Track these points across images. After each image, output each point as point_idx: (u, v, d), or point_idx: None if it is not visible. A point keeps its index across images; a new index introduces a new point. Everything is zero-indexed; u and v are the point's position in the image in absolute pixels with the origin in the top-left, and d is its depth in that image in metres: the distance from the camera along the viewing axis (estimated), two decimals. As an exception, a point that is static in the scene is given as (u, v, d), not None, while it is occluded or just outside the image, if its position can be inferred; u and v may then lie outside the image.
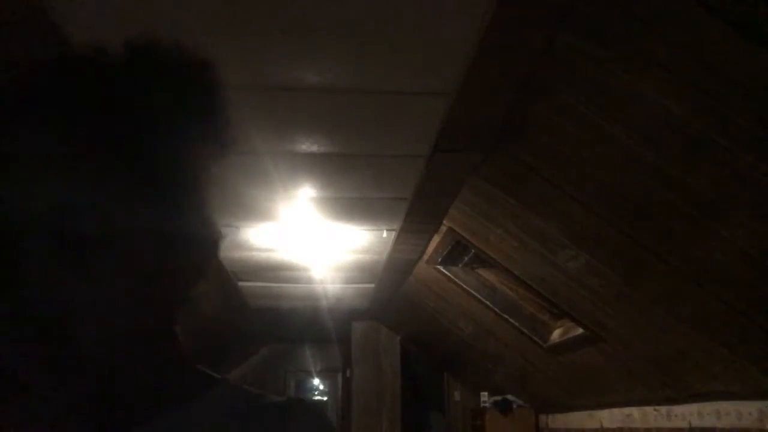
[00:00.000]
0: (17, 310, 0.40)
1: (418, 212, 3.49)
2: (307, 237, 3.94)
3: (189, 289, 0.50)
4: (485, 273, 4.47)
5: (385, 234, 3.95)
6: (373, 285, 5.43)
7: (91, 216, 0.41)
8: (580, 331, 3.54)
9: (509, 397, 5.42)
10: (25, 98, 0.44)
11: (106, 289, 0.42)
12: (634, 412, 3.78)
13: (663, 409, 3.44)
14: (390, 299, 5.84)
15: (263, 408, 0.50)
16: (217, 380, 0.52)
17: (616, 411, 4.02)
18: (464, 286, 4.51)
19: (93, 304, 0.42)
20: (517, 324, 4.34)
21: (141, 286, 0.44)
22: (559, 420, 5.09)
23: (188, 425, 0.48)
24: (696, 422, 3.11)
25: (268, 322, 6.42)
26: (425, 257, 4.39)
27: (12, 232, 0.39)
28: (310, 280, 5.12)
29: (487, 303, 4.44)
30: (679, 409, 3.27)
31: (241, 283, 5.24)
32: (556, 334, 4.11)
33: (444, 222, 3.66)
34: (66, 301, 0.41)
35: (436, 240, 4.01)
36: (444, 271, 4.52)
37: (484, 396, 5.63)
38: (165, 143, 0.45)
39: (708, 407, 3.01)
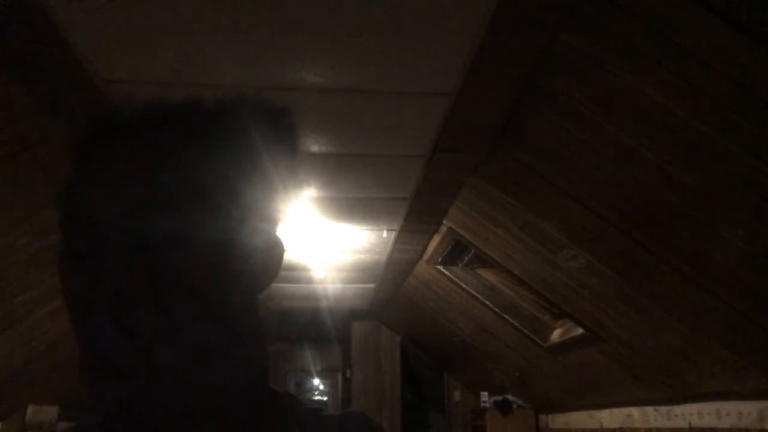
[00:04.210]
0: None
1: (418, 212, 3.50)
2: (307, 237, 3.94)
3: (251, 297, 0.53)
4: (485, 273, 4.47)
5: (385, 234, 3.95)
6: (373, 285, 5.43)
7: (160, 223, 0.45)
8: (580, 331, 3.54)
9: (509, 397, 5.41)
10: (115, 131, 0.50)
11: (173, 288, 0.45)
12: (634, 412, 3.78)
13: (663, 409, 3.43)
14: (390, 299, 5.84)
15: (323, 419, 0.55)
16: (279, 393, 0.56)
17: (616, 411, 4.02)
18: (464, 286, 4.51)
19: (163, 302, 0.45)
20: (517, 324, 4.34)
21: (205, 288, 0.47)
22: (559, 420, 5.08)
23: None
24: (696, 422, 3.11)
25: (268, 322, 6.41)
26: (425, 257, 4.39)
27: (95, 234, 0.45)
28: (310, 280, 5.12)
29: (487, 303, 4.44)
30: (679, 409, 3.27)
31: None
32: (556, 334, 4.11)
33: (444, 222, 3.66)
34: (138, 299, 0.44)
35: (436, 240, 4.02)
36: (444, 271, 4.52)
37: (484, 396, 5.62)
38: (233, 172, 0.50)
39: (708, 407, 3.01)
